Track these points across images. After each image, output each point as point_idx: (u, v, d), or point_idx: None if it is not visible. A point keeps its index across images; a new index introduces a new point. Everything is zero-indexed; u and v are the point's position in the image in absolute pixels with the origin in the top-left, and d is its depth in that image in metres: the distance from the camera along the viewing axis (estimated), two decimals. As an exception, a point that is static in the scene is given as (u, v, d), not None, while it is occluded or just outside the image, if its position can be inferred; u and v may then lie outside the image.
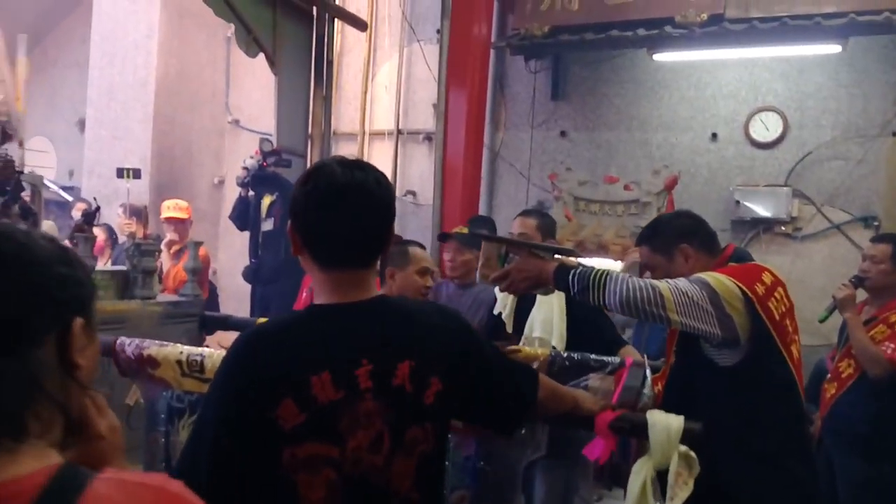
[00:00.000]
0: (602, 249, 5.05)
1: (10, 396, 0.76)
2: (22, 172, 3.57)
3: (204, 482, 1.21)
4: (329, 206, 1.30)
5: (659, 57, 5.25)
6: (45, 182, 6.55)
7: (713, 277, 1.94)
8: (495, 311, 3.08)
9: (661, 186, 5.10)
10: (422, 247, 2.74)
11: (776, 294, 2.02)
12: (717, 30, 4.81)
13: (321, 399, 1.21)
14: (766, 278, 2.03)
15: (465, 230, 3.50)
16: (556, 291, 2.83)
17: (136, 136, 6.44)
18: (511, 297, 2.98)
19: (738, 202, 5.31)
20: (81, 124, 7.12)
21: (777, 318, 1.99)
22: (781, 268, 5.29)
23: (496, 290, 3.09)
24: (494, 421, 1.56)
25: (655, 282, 1.90)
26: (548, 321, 2.85)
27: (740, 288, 1.93)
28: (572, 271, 1.95)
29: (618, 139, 5.77)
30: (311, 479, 1.20)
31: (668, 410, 1.80)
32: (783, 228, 5.31)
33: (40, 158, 6.29)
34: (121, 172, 4.03)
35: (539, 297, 2.90)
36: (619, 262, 5.06)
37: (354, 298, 1.32)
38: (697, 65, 5.50)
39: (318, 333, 1.29)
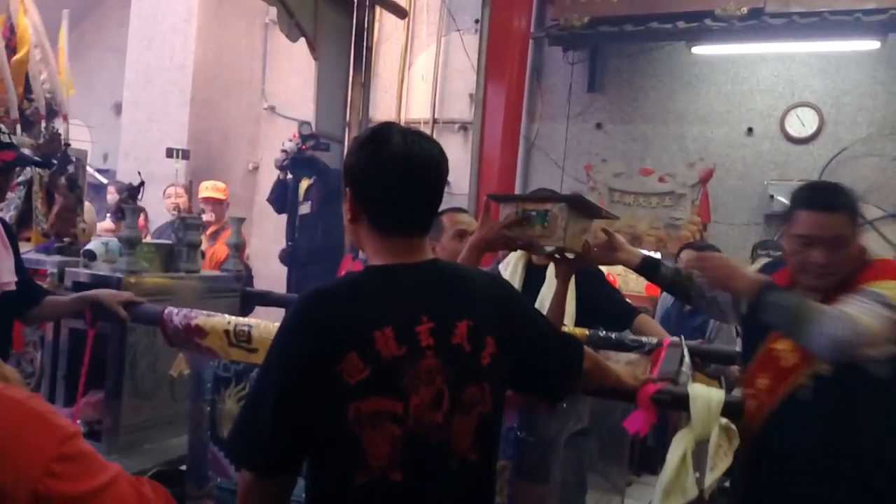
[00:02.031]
0: (636, 240, 5.07)
1: None
2: (69, 146, 3.65)
3: (266, 440, 1.23)
4: (398, 175, 1.29)
5: (698, 50, 5.26)
6: (88, 167, 6.64)
7: (890, 289, 1.75)
8: None
9: (695, 179, 5.10)
10: (461, 210, 2.61)
11: None
12: (757, 24, 4.82)
13: (385, 354, 1.22)
14: None
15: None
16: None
17: (173, 120, 6.51)
18: (519, 275, 2.94)
19: (772, 196, 5.31)
20: (117, 108, 7.21)
21: None
22: (815, 264, 5.29)
23: (499, 267, 3.09)
24: (544, 389, 1.55)
25: (856, 315, 1.70)
26: None
27: None
28: (770, 296, 1.78)
29: (653, 132, 5.79)
30: (375, 435, 1.21)
31: (803, 428, 1.80)
32: (817, 224, 5.30)
33: (78, 136, 6.38)
34: (170, 152, 4.10)
35: (549, 276, 2.89)
36: (653, 252, 5.08)
37: (411, 260, 1.33)
38: (735, 59, 5.50)
39: (379, 291, 1.29)
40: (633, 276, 5.51)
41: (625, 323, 2.73)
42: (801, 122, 5.40)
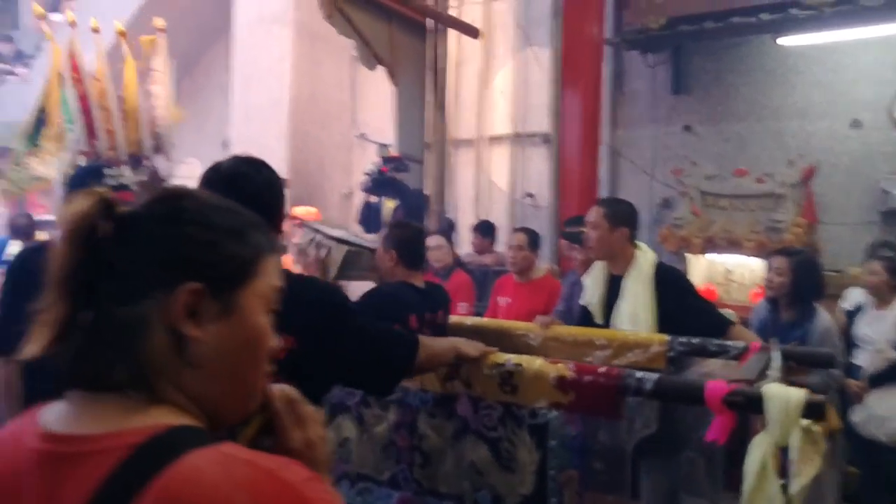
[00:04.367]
0: (734, 245, 4.83)
1: (97, 340, 0.73)
2: (165, 181, 3.94)
3: None
4: (219, 189, 1.51)
5: (785, 41, 4.98)
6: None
7: None
8: (582, 302, 3.08)
9: (796, 178, 4.80)
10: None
11: None
12: (851, 8, 4.49)
13: None
14: None
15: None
16: (643, 279, 2.76)
17: (273, 153, 6.86)
18: (601, 285, 2.97)
19: (886, 192, 4.91)
20: (226, 144, 7.69)
21: None
22: (938, 261, 4.84)
23: (583, 279, 3.13)
24: (365, 384, 1.87)
25: None
26: (634, 313, 2.77)
27: None
28: None
29: (747, 130, 5.52)
30: None
31: None
32: (939, 219, 4.87)
33: (190, 172, 6.86)
34: None
35: (625, 288, 2.83)
36: (755, 258, 4.81)
37: None
38: (832, 47, 5.16)
39: None
40: (735, 284, 5.29)
41: (716, 335, 2.63)
42: (914, 109, 4.99)
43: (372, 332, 1.75)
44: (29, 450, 0.71)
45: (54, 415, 0.74)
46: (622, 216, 2.93)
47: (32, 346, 0.72)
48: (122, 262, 0.74)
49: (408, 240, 2.75)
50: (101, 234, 0.73)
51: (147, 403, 0.71)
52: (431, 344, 1.93)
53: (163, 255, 0.74)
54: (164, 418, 0.71)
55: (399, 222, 3.55)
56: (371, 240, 3.53)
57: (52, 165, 4.39)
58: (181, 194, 0.80)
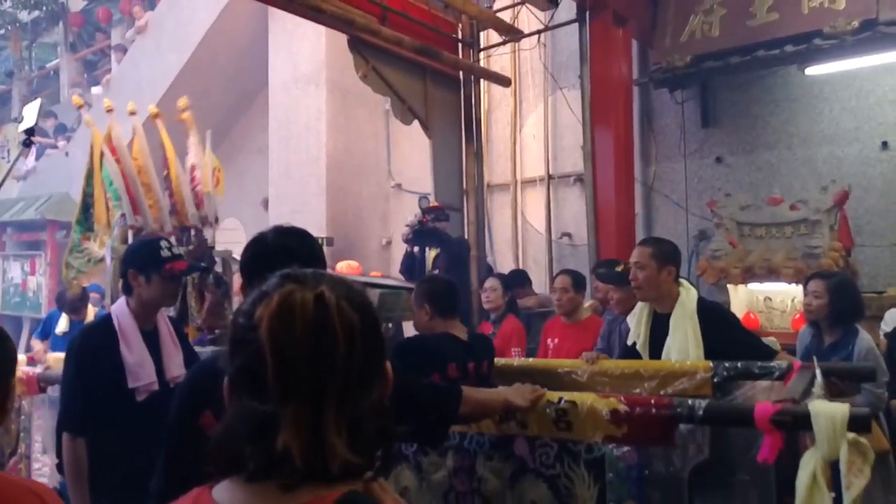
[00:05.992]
0: (772, 274, 4.84)
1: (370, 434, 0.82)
2: (213, 248, 4.13)
3: None
4: (265, 265, 1.61)
5: (811, 71, 5.07)
6: (235, 257, 7.35)
7: None
8: (629, 342, 3.08)
9: (830, 203, 4.82)
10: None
11: None
12: (872, 35, 4.58)
13: None
14: None
15: (620, 268, 3.69)
16: (689, 316, 2.82)
17: (312, 208, 7.10)
18: (644, 324, 2.99)
19: (921, 211, 4.92)
20: (265, 203, 7.94)
21: None
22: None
23: (628, 319, 3.14)
24: (418, 436, 1.94)
25: None
26: (683, 350, 2.79)
27: None
28: None
29: (778, 159, 5.59)
30: None
31: None
32: (979, 236, 4.84)
33: (232, 236, 7.08)
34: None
35: (673, 326, 2.85)
36: (793, 284, 4.82)
37: None
38: (856, 73, 5.23)
39: None
40: (777, 311, 5.28)
41: None
42: (943, 128, 5.01)
43: (414, 389, 1.78)
44: None
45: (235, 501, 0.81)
46: (668, 255, 2.95)
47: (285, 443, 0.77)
48: (357, 356, 0.81)
49: (437, 292, 2.79)
50: (339, 331, 0.80)
51: (332, 478, 0.79)
52: (478, 395, 1.96)
53: (380, 346, 0.86)
54: (342, 485, 0.80)
55: (427, 277, 3.63)
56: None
57: (108, 246, 4.56)
58: (344, 278, 0.91)
